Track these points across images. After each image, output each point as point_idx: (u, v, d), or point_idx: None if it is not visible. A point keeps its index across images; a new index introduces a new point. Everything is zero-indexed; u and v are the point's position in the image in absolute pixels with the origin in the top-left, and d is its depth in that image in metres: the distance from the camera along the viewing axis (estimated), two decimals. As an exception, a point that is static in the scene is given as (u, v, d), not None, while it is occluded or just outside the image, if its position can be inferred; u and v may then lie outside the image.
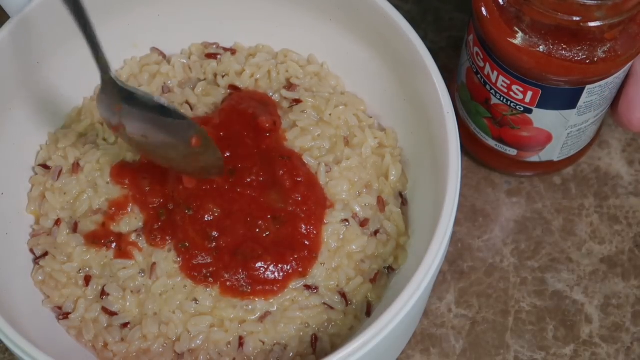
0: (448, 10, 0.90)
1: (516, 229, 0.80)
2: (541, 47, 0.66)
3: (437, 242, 0.61)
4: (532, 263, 0.78)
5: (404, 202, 0.73)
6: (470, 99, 0.76)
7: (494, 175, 0.82)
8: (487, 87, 0.72)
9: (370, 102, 0.77)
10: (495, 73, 0.71)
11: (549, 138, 0.74)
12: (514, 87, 0.70)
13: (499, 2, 0.67)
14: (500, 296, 0.77)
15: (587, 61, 0.66)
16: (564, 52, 0.66)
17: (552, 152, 0.76)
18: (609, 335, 0.75)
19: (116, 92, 0.65)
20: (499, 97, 0.72)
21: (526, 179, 0.82)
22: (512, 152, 0.77)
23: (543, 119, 0.72)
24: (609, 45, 0.66)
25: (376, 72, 0.75)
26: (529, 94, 0.70)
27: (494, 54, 0.69)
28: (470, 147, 0.80)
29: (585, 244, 0.79)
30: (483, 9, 0.68)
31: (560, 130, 0.73)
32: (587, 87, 0.68)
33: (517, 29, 0.67)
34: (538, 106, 0.71)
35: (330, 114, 0.75)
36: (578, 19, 0.64)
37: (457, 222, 0.78)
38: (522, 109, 0.72)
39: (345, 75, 0.78)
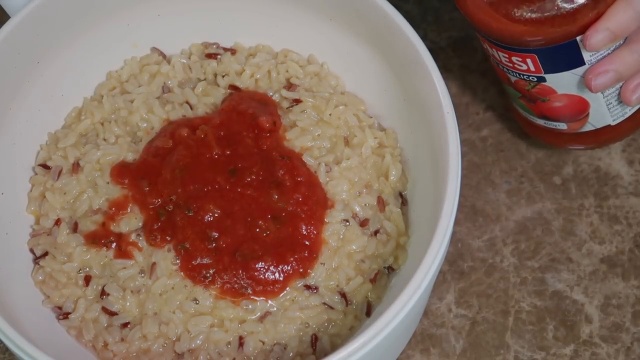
0: (448, 10, 0.90)
1: (516, 229, 0.80)
2: (507, 12, 0.65)
3: (437, 242, 0.61)
4: (532, 263, 0.78)
5: (404, 202, 0.73)
6: (504, 84, 0.75)
7: (493, 175, 0.82)
8: (500, 67, 0.72)
9: (370, 102, 0.77)
10: (494, 50, 0.70)
11: (583, 102, 0.71)
12: (514, 59, 0.69)
13: None
14: (500, 296, 0.77)
15: (561, 13, 0.64)
16: (529, 14, 0.64)
17: (602, 116, 0.72)
18: (609, 335, 0.75)
19: None
20: (512, 74, 0.71)
21: (526, 178, 0.82)
22: (562, 126, 0.75)
23: (561, 83, 0.70)
24: None
25: (376, 72, 0.75)
26: (529, 61, 0.69)
27: (480, 32, 0.69)
28: (535, 133, 0.79)
29: (585, 244, 0.79)
30: None
31: (588, 90, 0.70)
32: (578, 38, 0.66)
33: (483, 1, 0.66)
34: (546, 71, 0.69)
35: (330, 114, 0.75)
36: None
37: (457, 222, 0.78)
38: (535, 78, 0.70)
39: (345, 75, 0.78)
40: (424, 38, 0.69)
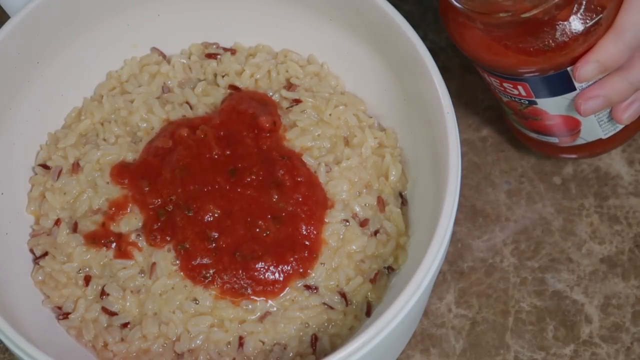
0: (448, 10, 0.90)
1: (516, 229, 0.80)
2: (498, 44, 0.66)
3: (437, 242, 0.61)
4: (532, 263, 0.78)
5: (404, 202, 0.73)
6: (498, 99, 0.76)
7: (493, 175, 0.82)
8: (492, 87, 0.73)
9: (370, 102, 0.77)
10: (486, 75, 0.71)
11: (574, 121, 0.72)
12: (505, 85, 0.70)
13: (454, 8, 0.66)
14: (500, 296, 0.77)
15: (547, 48, 0.65)
16: (522, 45, 0.65)
17: (594, 132, 0.73)
18: (609, 335, 0.75)
19: None
20: (504, 95, 0.72)
21: (526, 178, 0.82)
22: (554, 140, 0.75)
23: (552, 106, 0.71)
24: (566, 24, 0.64)
25: (376, 72, 0.75)
26: (520, 88, 0.69)
27: (471, 58, 0.69)
28: (523, 139, 0.79)
29: (585, 244, 0.79)
30: (446, 16, 0.69)
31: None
32: (568, 69, 0.67)
33: (474, 31, 0.67)
34: (537, 97, 0.70)
35: (330, 114, 0.75)
36: (509, 14, 0.62)
37: (457, 222, 0.78)
38: (527, 102, 0.71)
39: (345, 75, 0.78)
40: (424, 38, 0.69)
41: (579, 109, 0.68)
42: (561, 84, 0.68)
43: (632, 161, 0.82)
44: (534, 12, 0.62)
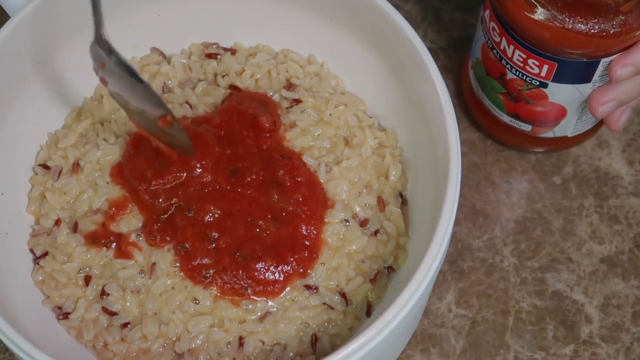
0: (448, 10, 0.90)
1: (516, 229, 0.80)
2: (558, 20, 0.67)
3: (437, 242, 0.61)
4: (532, 263, 0.78)
5: (404, 202, 0.73)
6: (485, 74, 0.76)
7: (493, 175, 0.82)
8: (503, 62, 0.73)
9: (370, 102, 0.77)
10: (512, 47, 0.71)
11: (563, 113, 0.75)
12: (530, 61, 0.71)
13: None
14: (500, 296, 0.77)
15: (603, 34, 0.67)
16: (580, 25, 0.67)
17: (567, 128, 0.77)
18: (609, 335, 0.75)
19: (104, 49, 0.66)
20: (514, 72, 0.73)
21: (526, 178, 0.82)
22: (527, 127, 0.78)
23: (558, 93, 0.73)
24: (624, 18, 0.67)
25: (376, 72, 0.75)
26: (545, 67, 0.71)
27: (510, 28, 0.70)
28: (485, 123, 0.81)
29: (585, 244, 0.79)
30: None
31: (575, 105, 0.74)
32: (602, 60, 0.69)
33: (534, 3, 0.67)
34: (554, 80, 0.72)
35: (330, 114, 0.75)
36: None
37: (457, 222, 0.78)
38: (538, 83, 0.72)
39: (345, 75, 0.78)
40: (424, 38, 0.69)
41: (596, 112, 0.72)
42: (584, 72, 0.71)
43: (632, 161, 0.82)
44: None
